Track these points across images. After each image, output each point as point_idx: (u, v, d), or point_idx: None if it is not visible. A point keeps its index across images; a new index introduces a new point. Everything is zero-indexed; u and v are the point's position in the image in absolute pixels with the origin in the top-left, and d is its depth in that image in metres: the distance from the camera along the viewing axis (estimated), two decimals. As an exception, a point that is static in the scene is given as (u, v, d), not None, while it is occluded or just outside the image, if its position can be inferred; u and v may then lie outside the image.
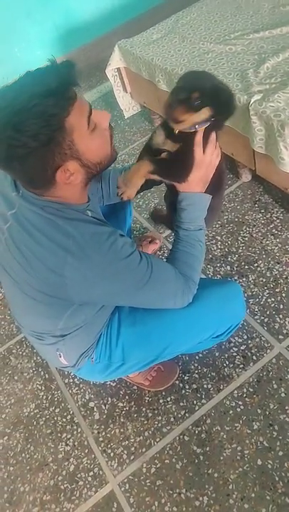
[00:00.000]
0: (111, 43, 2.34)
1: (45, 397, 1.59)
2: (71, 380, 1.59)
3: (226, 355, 1.49)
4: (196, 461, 1.30)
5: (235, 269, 1.72)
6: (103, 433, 1.43)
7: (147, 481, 1.30)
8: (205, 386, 1.44)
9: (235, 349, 1.49)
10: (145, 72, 2.13)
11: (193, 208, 1.09)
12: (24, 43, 3.17)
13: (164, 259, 1.14)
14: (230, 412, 1.36)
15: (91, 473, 1.36)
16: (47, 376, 1.64)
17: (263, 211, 1.87)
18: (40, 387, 1.62)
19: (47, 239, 0.89)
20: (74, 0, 3.21)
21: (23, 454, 1.47)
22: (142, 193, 1.09)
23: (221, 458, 1.28)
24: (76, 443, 1.44)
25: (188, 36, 2.09)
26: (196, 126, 1.01)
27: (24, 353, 1.75)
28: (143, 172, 1.06)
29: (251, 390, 1.38)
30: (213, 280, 1.60)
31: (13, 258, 0.95)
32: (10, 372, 1.71)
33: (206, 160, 1.05)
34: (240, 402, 1.37)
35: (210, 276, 1.72)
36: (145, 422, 1.42)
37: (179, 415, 1.40)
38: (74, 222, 0.91)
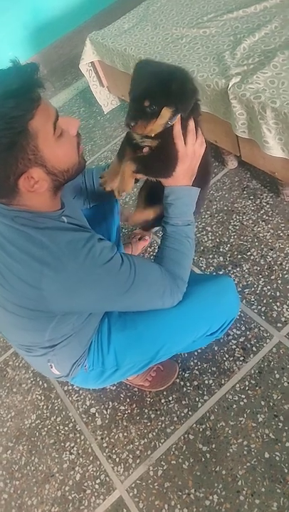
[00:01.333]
0: (83, 37, 2.27)
1: (45, 406, 1.56)
2: (70, 388, 1.56)
3: (225, 348, 1.45)
4: (203, 459, 1.27)
5: (228, 259, 1.68)
6: (107, 438, 1.40)
7: (155, 484, 1.27)
8: (206, 382, 1.41)
9: (234, 342, 1.46)
10: (120, 63, 2.07)
11: (181, 203, 1.04)
12: (-7, 45, 3.09)
13: (153, 257, 1.10)
14: (234, 406, 1.33)
15: (98, 481, 1.33)
16: (46, 385, 1.61)
17: (252, 197, 1.83)
18: (39, 397, 1.59)
19: (20, 252, 0.85)
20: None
21: (28, 467, 1.44)
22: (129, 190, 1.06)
23: (228, 454, 1.25)
24: (80, 451, 1.41)
25: (161, 23, 2.03)
26: (169, 122, 0.97)
27: (21, 364, 1.71)
28: (129, 174, 1.02)
29: (253, 382, 1.35)
30: (205, 275, 1.57)
31: None
32: (8, 384, 1.67)
33: (189, 151, 1.01)
34: (243, 396, 1.34)
35: (203, 268, 1.69)
36: (148, 424, 1.39)
37: (182, 414, 1.37)
38: (47, 231, 0.87)
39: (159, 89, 0.90)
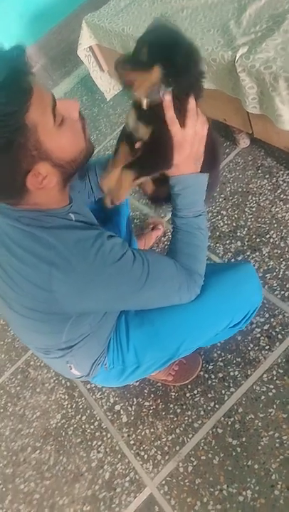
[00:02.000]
0: (80, 21, 2.17)
1: (69, 405, 1.54)
2: (93, 385, 1.54)
3: (249, 337, 1.40)
4: (234, 453, 1.23)
5: (246, 243, 1.60)
6: (133, 435, 1.38)
7: (186, 480, 1.24)
8: (232, 373, 1.36)
9: (258, 330, 1.40)
10: (118, 45, 1.98)
11: (189, 192, 0.96)
12: (-10, 37, 3.00)
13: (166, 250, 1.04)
14: (262, 397, 1.28)
15: (127, 479, 1.32)
16: (68, 384, 1.59)
17: (267, 176, 1.73)
18: (63, 397, 1.58)
19: (27, 253, 0.81)
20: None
21: (57, 467, 1.43)
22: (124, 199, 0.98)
23: (259, 447, 1.21)
24: (108, 449, 1.39)
25: (159, -4, 1.91)
26: (161, 92, 0.84)
27: (42, 364, 1.70)
28: (128, 185, 0.93)
29: (281, 371, 1.30)
30: (222, 264, 1.49)
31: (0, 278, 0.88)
32: (31, 384, 1.67)
33: (189, 134, 0.90)
34: (271, 386, 1.28)
35: (220, 255, 1.62)
36: (175, 419, 1.35)
37: (209, 407, 1.33)
38: (54, 230, 0.82)
39: (164, 45, 0.79)
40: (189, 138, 0.90)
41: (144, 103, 0.87)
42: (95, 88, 2.53)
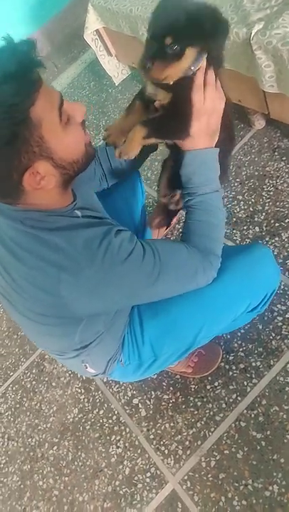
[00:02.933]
0: (85, 5, 2.10)
1: (86, 400, 1.51)
2: (110, 379, 1.50)
3: (271, 326, 1.34)
4: (258, 447, 1.19)
5: (264, 229, 1.54)
6: (153, 430, 1.35)
7: (209, 475, 1.21)
8: (253, 364, 1.31)
9: (280, 318, 1.34)
10: (126, 27, 1.90)
11: (206, 168, 0.92)
12: (-6, 25, 2.94)
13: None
14: (287, 388, 1.23)
15: (148, 474, 1.28)
16: (84, 378, 1.56)
17: (284, 158, 1.66)
18: (79, 391, 1.55)
19: (34, 257, 0.77)
20: None
21: (76, 462, 1.41)
22: (148, 163, 0.95)
23: (285, 441, 1.16)
24: (127, 444, 1.36)
25: (167, -26, 1.83)
26: (192, 67, 0.82)
27: (57, 358, 1.67)
28: (138, 140, 0.90)
29: (306, 361, 1.25)
30: (237, 247, 1.43)
31: (6, 283, 0.84)
32: (47, 379, 1.64)
33: (208, 106, 0.86)
34: (295, 377, 1.24)
35: (238, 241, 1.56)
36: (195, 413, 1.31)
37: (231, 400, 1.29)
38: (60, 231, 0.78)
39: (186, 24, 0.74)
40: (208, 109, 0.87)
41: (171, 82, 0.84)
42: (102, 73, 2.47)
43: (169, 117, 0.88)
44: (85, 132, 0.83)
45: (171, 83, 0.84)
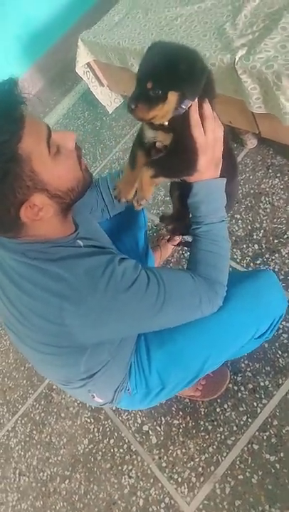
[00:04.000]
0: (75, 39, 2.18)
1: (96, 429, 1.50)
2: (118, 407, 1.49)
3: (277, 344, 1.33)
4: (273, 470, 1.16)
5: (264, 246, 1.55)
6: (165, 457, 1.32)
7: (224, 502, 1.18)
8: (262, 384, 1.29)
9: (286, 336, 1.33)
10: (116, 59, 1.97)
11: (213, 198, 0.93)
12: (-11, 62, 3.06)
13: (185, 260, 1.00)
14: (297, 407, 1.21)
15: (162, 505, 1.26)
16: (93, 407, 1.55)
17: (279, 175, 1.68)
18: (89, 420, 1.53)
19: (37, 288, 0.78)
20: (28, 6, 3.06)
21: (88, 496, 1.38)
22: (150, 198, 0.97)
23: (300, 462, 1.14)
24: (139, 473, 1.34)
25: (152, 7, 1.90)
26: (183, 106, 0.84)
27: (65, 387, 1.66)
28: (147, 181, 0.90)
29: (315, 378, 1.23)
30: (243, 273, 1.43)
31: (11, 314, 0.85)
32: (55, 410, 1.63)
33: (210, 139, 0.88)
34: (305, 395, 1.22)
35: (238, 260, 1.56)
36: (207, 437, 1.29)
37: (242, 422, 1.27)
38: (62, 261, 0.79)
39: (165, 69, 0.79)
40: (211, 142, 0.88)
41: (166, 122, 0.87)
42: (96, 102, 2.53)
43: (174, 156, 0.90)
44: (80, 158, 0.84)
45: (167, 124, 0.86)
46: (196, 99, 0.85)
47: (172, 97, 0.81)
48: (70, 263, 0.79)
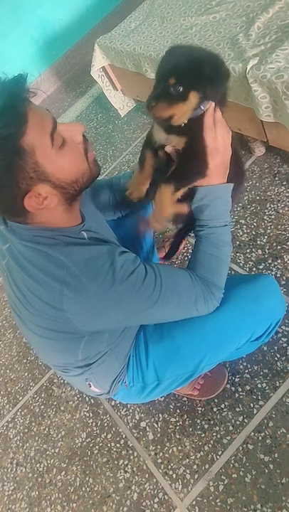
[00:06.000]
0: (93, 43, 2.24)
1: (94, 423, 1.52)
2: (118, 402, 1.51)
3: (276, 347, 1.36)
4: (266, 470, 1.18)
5: (267, 251, 1.58)
6: (161, 454, 1.34)
7: (217, 500, 1.20)
8: (259, 386, 1.31)
9: (285, 339, 1.36)
10: (130, 64, 2.02)
11: (219, 202, 0.95)
12: (7, 65, 3.13)
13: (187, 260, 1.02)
14: (293, 410, 1.23)
15: (156, 500, 1.27)
16: (92, 401, 1.57)
17: (285, 183, 1.71)
18: (88, 414, 1.55)
19: (40, 272, 0.82)
20: (46, 10, 3.14)
21: (84, 488, 1.40)
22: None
23: (293, 463, 1.16)
24: (135, 468, 1.36)
25: (168, 16, 1.95)
26: (201, 106, 0.85)
27: (66, 381, 1.68)
28: (168, 199, 0.90)
29: (311, 382, 1.25)
30: (243, 276, 1.46)
31: (15, 297, 0.89)
32: (55, 403, 1.65)
33: (220, 144, 0.89)
34: (301, 398, 1.24)
35: (241, 264, 1.59)
36: (203, 436, 1.31)
37: (238, 422, 1.29)
38: (66, 249, 0.83)
39: (189, 69, 0.80)
40: (221, 146, 0.90)
41: (183, 124, 0.87)
42: (109, 106, 2.58)
43: (186, 163, 0.90)
44: (86, 150, 0.85)
45: (183, 125, 0.87)
46: (213, 105, 0.86)
47: (193, 96, 0.81)
48: (73, 252, 0.82)
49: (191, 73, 0.80)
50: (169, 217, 0.94)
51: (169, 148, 0.92)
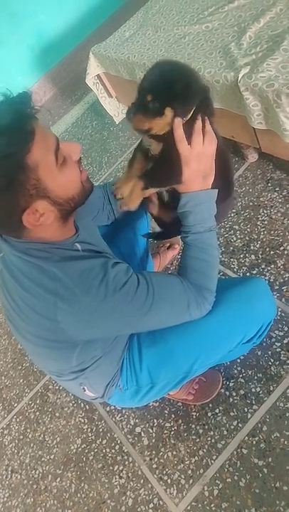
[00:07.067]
0: (87, 52, 2.27)
1: (89, 429, 1.52)
2: (112, 408, 1.51)
3: (269, 352, 1.37)
4: (260, 475, 1.19)
5: (260, 256, 1.59)
6: (156, 459, 1.35)
7: (212, 505, 1.20)
8: (253, 390, 1.32)
9: (278, 344, 1.37)
10: (125, 72, 2.04)
11: (201, 208, 0.97)
12: (2, 72, 3.15)
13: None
14: (287, 414, 1.24)
15: (151, 505, 1.28)
16: (88, 407, 1.57)
17: (277, 189, 1.73)
18: (83, 420, 1.55)
19: (34, 284, 0.83)
20: (42, 18, 3.17)
21: (79, 494, 1.40)
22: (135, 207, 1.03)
23: (287, 467, 1.16)
24: (130, 474, 1.36)
25: (161, 25, 1.98)
26: (183, 118, 0.91)
27: (61, 387, 1.69)
28: (137, 193, 0.98)
29: (304, 386, 1.26)
30: (234, 279, 1.48)
31: (10, 307, 0.90)
32: (50, 409, 1.65)
33: (195, 152, 0.93)
34: (295, 402, 1.25)
35: (235, 269, 1.61)
36: (197, 440, 1.32)
37: (232, 427, 1.29)
38: (59, 262, 0.84)
39: (163, 86, 0.86)
40: (195, 155, 0.93)
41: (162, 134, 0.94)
42: (104, 113, 2.60)
43: (161, 166, 0.96)
44: (81, 169, 0.89)
45: (162, 134, 0.92)
46: (181, 119, 0.91)
47: (169, 112, 0.88)
48: (66, 264, 0.84)
49: (165, 91, 0.86)
50: (132, 208, 1.00)
51: (151, 152, 0.99)
